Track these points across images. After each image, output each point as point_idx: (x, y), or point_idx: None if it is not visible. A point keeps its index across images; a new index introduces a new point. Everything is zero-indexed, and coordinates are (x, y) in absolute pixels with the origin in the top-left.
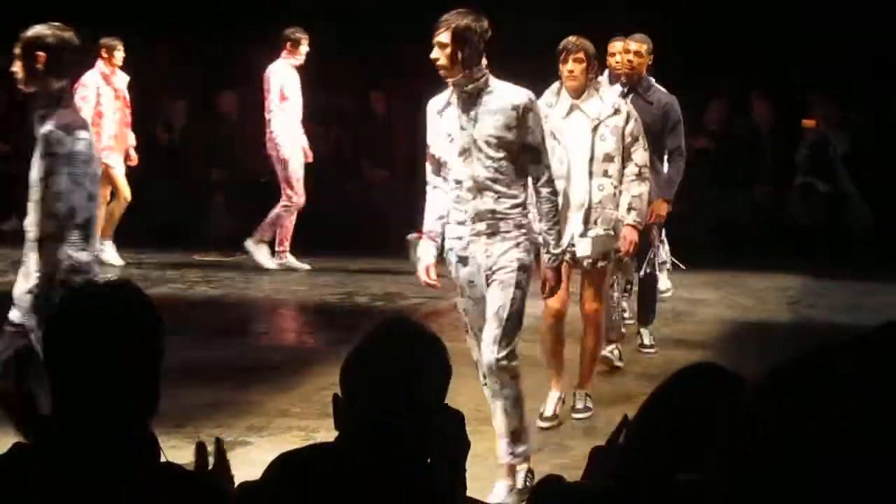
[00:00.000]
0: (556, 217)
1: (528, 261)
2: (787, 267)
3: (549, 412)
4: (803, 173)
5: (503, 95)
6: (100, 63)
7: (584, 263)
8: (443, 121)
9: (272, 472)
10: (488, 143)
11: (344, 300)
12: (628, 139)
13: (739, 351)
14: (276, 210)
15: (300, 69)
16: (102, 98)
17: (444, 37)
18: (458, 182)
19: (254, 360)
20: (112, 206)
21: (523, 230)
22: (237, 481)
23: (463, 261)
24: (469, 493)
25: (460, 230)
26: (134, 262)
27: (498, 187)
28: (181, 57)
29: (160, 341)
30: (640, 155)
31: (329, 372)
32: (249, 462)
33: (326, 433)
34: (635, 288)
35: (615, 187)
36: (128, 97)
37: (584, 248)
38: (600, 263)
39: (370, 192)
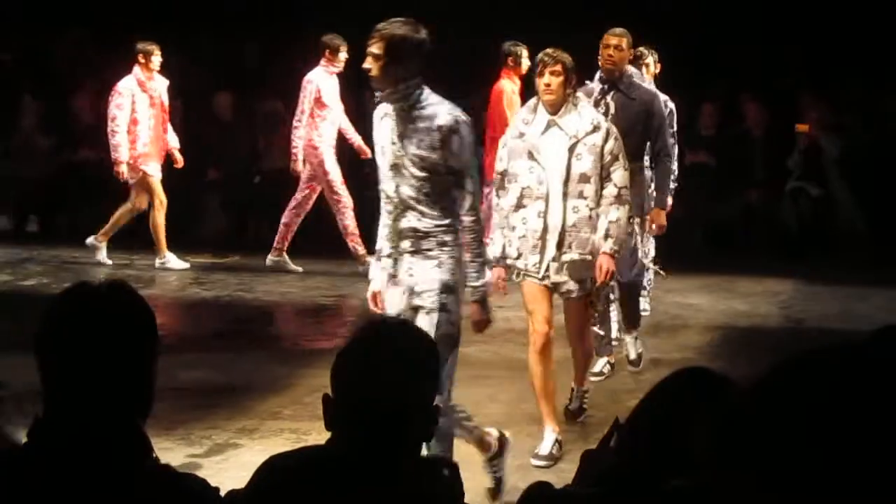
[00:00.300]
0: (479, 248)
1: (451, 280)
2: (779, 271)
3: (544, 451)
4: (795, 177)
5: (431, 114)
6: (136, 69)
7: (563, 290)
8: (379, 131)
9: (260, 475)
10: (413, 163)
11: (336, 302)
12: (607, 158)
13: (731, 355)
14: (338, 218)
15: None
16: (137, 105)
17: (376, 47)
18: (387, 197)
19: (246, 362)
20: (154, 215)
21: (447, 248)
22: (229, 483)
23: (392, 279)
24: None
25: (387, 246)
26: (126, 262)
27: (421, 207)
28: (179, 57)
29: (153, 342)
30: (620, 175)
31: (321, 374)
32: (240, 464)
33: (318, 435)
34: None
35: (591, 209)
36: (167, 102)
37: (557, 275)
38: (577, 293)
39: (363, 195)
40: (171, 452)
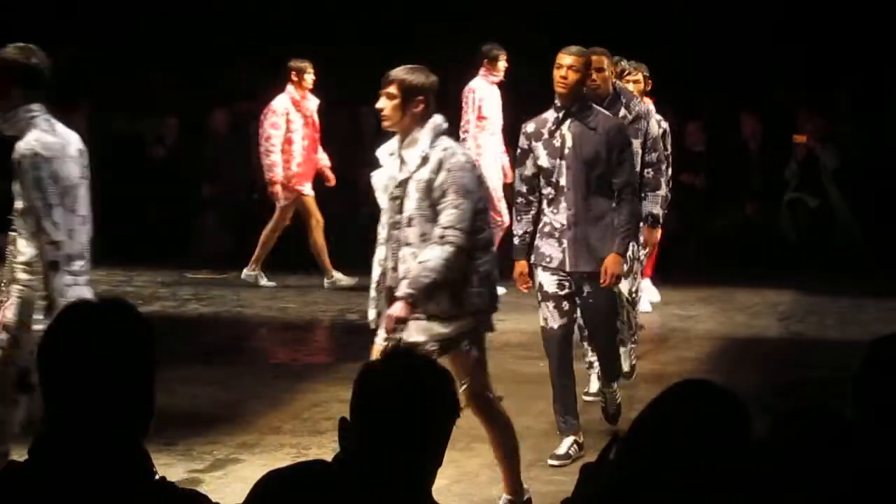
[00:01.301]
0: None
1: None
2: (778, 282)
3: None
4: (792, 188)
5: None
6: (290, 87)
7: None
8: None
9: (258, 489)
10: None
11: (335, 318)
12: (436, 194)
13: (731, 366)
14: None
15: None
16: (292, 124)
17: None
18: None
19: (245, 378)
20: (314, 236)
21: None
22: (230, 498)
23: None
24: None
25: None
26: (125, 279)
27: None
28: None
29: (152, 358)
30: (447, 215)
31: (321, 389)
32: (241, 479)
33: (318, 450)
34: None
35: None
36: (317, 121)
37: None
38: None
39: (359, 209)
40: (171, 468)
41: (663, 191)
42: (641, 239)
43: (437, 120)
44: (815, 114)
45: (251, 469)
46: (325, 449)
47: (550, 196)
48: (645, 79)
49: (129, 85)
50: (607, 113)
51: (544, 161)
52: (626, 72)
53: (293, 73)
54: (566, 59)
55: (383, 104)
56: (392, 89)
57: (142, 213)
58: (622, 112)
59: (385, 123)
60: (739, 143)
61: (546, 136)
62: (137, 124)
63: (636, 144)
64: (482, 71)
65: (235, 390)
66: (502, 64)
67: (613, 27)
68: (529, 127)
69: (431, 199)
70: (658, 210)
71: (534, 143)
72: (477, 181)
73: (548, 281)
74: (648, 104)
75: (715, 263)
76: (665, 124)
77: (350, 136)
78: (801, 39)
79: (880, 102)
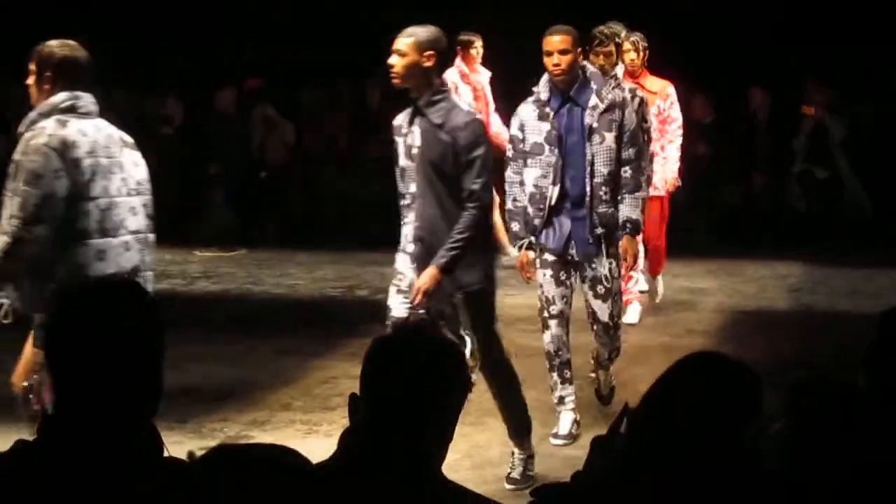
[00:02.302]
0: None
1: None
2: (787, 254)
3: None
4: (801, 160)
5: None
6: (458, 60)
7: None
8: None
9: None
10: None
11: (345, 294)
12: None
13: (741, 339)
14: None
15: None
16: (461, 96)
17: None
18: None
19: (255, 355)
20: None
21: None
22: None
23: None
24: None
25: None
26: None
27: None
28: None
29: (161, 337)
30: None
31: (330, 366)
32: None
33: (328, 426)
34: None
35: None
36: (490, 94)
37: None
38: None
39: (369, 185)
40: (182, 446)
41: (644, 192)
42: (621, 250)
43: None
44: (823, 84)
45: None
46: (336, 425)
47: (405, 203)
48: (643, 50)
49: (136, 64)
50: (462, 106)
51: (401, 161)
52: (598, 42)
53: (459, 46)
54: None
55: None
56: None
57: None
58: (593, 101)
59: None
60: (748, 115)
61: (404, 131)
62: (145, 103)
63: (609, 138)
64: (457, 60)
65: (245, 367)
66: (475, 51)
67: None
68: (396, 119)
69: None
70: (638, 215)
71: (396, 139)
72: None
73: (395, 304)
74: (626, 85)
75: (723, 236)
76: (640, 94)
77: None
78: (810, 9)
79: (889, 72)
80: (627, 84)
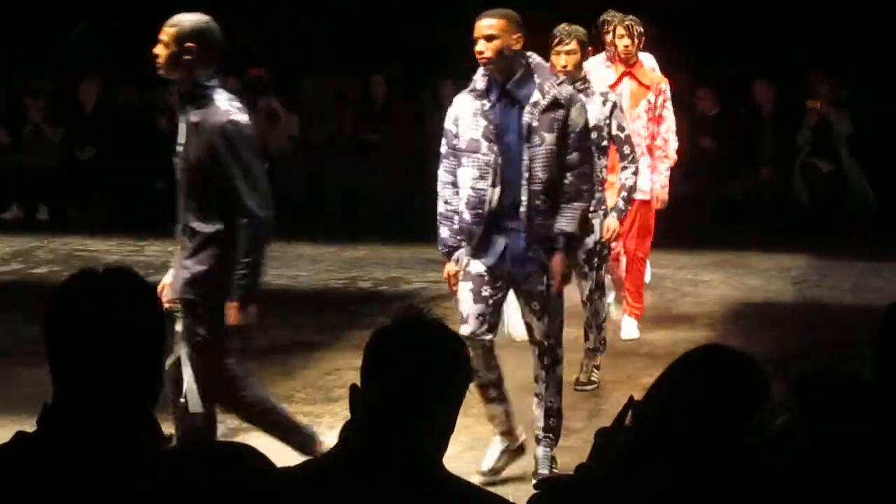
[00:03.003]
0: None
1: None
2: (792, 246)
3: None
4: (805, 153)
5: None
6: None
7: None
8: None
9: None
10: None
11: (347, 285)
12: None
13: (745, 331)
14: None
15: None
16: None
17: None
18: None
19: (257, 346)
20: None
21: None
22: None
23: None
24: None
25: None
26: (136, 249)
27: None
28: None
29: (161, 327)
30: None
31: (333, 357)
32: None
33: (331, 418)
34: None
35: None
36: None
37: None
38: None
39: (372, 177)
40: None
41: (586, 203)
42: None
43: None
44: (828, 77)
45: (264, 438)
46: (338, 417)
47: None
48: (638, 36)
49: (136, 56)
50: (226, 103)
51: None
52: (557, 41)
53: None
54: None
55: None
56: None
57: (152, 182)
58: (534, 96)
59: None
60: (752, 107)
61: None
62: (145, 95)
63: (550, 139)
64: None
65: (247, 359)
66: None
67: None
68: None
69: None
70: (574, 228)
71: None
72: None
73: None
74: (598, 89)
75: (728, 228)
76: (615, 97)
77: None
78: (816, 1)
79: (894, 65)
80: (600, 88)
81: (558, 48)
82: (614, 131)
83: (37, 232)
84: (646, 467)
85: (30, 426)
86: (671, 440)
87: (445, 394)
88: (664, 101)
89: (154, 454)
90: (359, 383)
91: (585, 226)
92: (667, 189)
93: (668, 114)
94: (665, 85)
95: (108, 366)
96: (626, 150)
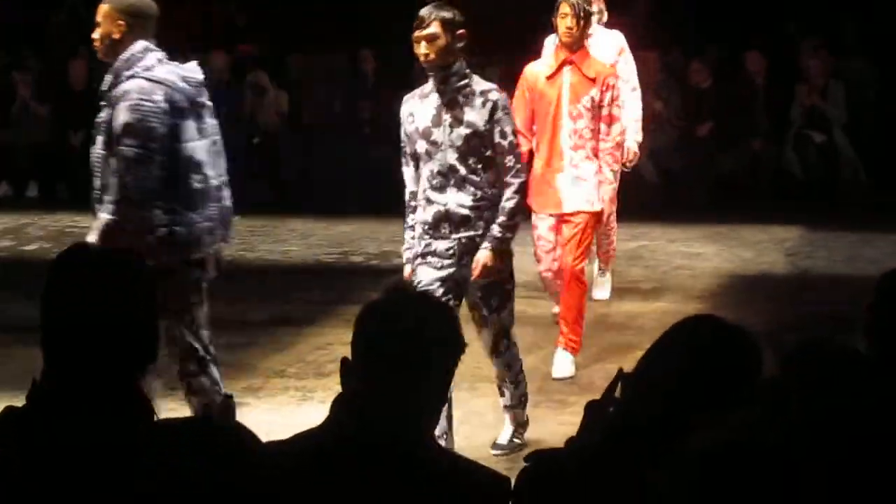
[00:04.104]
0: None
1: None
2: (785, 218)
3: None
4: (798, 126)
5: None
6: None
7: None
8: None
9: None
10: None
11: (339, 260)
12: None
13: (739, 303)
14: None
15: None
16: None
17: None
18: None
19: (249, 321)
20: None
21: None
22: None
23: None
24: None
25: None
26: None
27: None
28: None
29: (151, 301)
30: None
31: (325, 332)
32: (246, 423)
33: (323, 393)
34: None
35: None
36: None
37: None
38: None
39: (363, 152)
40: (176, 413)
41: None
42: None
43: None
44: (820, 49)
45: (257, 413)
46: (330, 392)
47: None
48: (584, 16)
49: None
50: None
51: None
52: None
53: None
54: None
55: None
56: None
57: None
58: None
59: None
60: (745, 79)
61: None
62: None
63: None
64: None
65: (239, 334)
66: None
67: None
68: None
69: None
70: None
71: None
72: None
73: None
74: (479, 87)
75: (720, 201)
76: (497, 96)
77: None
78: None
79: (890, 36)
80: (483, 85)
81: (416, 34)
82: (496, 139)
83: (27, 209)
84: (634, 440)
85: (21, 403)
86: (659, 413)
87: (435, 366)
88: (613, 98)
89: (143, 429)
90: (349, 357)
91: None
92: (607, 198)
93: (617, 111)
94: (614, 80)
95: (99, 340)
96: (510, 161)
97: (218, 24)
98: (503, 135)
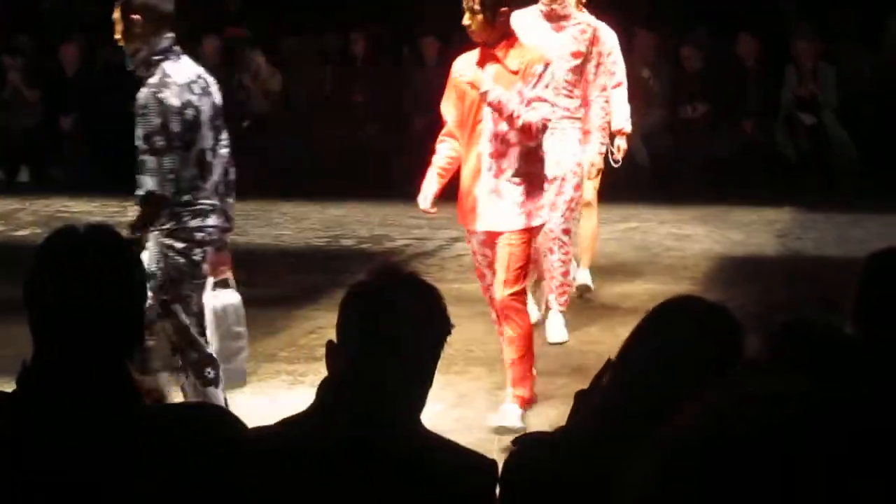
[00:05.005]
0: None
1: None
2: (775, 200)
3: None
4: (788, 108)
5: None
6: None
7: None
8: None
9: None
10: None
11: (330, 243)
12: None
13: (729, 284)
14: None
15: None
16: None
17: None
18: None
19: None
20: None
21: None
22: None
23: None
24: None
25: None
26: (119, 210)
27: None
28: None
29: (139, 284)
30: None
31: (316, 316)
32: (238, 408)
33: (315, 377)
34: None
35: None
36: None
37: None
38: None
39: (357, 135)
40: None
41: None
42: None
43: None
44: (811, 32)
45: (248, 397)
46: (321, 375)
47: None
48: (492, 5)
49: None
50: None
51: None
52: None
53: None
54: None
55: None
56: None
57: (133, 143)
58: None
59: None
60: (736, 60)
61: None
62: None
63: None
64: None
65: None
66: None
67: None
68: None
69: None
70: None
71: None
72: None
73: None
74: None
75: (711, 182)
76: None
77: None
78: None
79: (881, 20)
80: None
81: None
82: None
83: (18, 194)
84: (619, 425)
85: (10, 387)
86: (647, 395)
87: (422, 348)
88: (546, 84)
89: (131, 413)
90: (335, 340)
91: None
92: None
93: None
94: (540, 66)
95: (87, 323)
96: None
97: (209, 9)
98: None
